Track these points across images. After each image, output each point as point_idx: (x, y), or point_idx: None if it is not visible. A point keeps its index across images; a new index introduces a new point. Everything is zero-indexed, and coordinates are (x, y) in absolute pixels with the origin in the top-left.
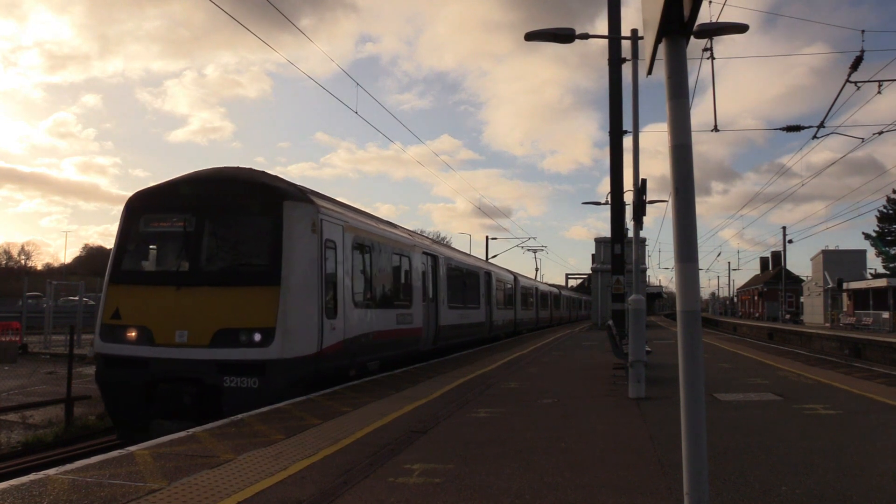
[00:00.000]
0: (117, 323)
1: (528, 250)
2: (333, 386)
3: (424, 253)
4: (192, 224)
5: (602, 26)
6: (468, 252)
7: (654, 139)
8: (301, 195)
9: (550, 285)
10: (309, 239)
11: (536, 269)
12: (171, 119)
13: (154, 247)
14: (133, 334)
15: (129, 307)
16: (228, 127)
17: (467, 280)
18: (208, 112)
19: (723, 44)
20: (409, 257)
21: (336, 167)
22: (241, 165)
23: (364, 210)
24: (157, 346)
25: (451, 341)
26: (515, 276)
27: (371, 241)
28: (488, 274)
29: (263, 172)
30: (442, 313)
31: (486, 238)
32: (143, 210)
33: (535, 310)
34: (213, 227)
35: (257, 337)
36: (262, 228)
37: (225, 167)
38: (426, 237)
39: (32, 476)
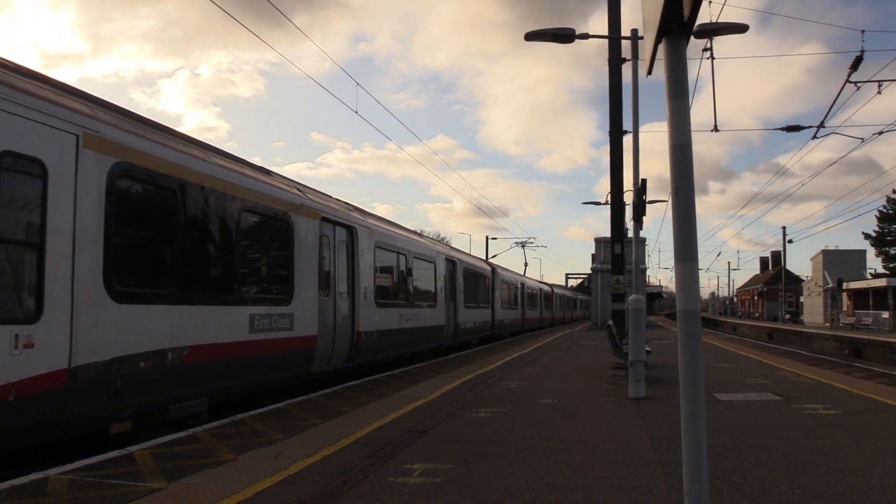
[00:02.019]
0: None
1: (517, 244)
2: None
3: (326, 220)
4: None
5: (596, 25)
6: (459, 247)
7: (652, 138)
8: None
9: (542, 282)
10: None
11: (525, 264)
12: (166, 119)
13: None
14: None
15: None
16: (224, 126)
17: (416, 269)
18: (203, 111)
19: (717, 43)
20: (289, 223)
21: (333, 167)
22: None
23: (180, 133)
24: None
25: (384, 354)
26: (494, 268)
27: (175, 180)
28: (451, 262)
29: None
30: (364, 314)
31: (486, 238)
32: None
33: (521, 309)
34: None
35: None
36: None
37: None
38: (340, 200)
39: (33, 476)
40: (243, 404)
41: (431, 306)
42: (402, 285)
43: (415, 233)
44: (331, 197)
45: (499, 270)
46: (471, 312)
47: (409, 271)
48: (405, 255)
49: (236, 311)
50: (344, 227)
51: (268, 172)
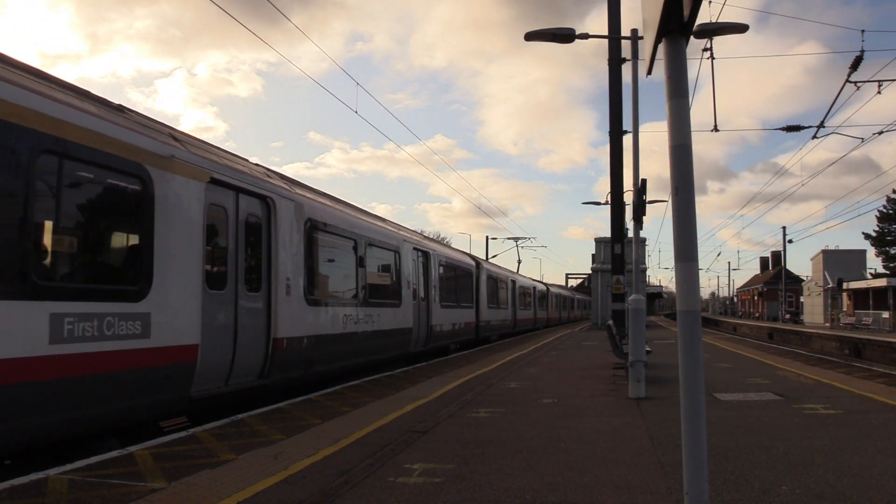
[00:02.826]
0: None
1: (510, 238)
2: None
3: (221, 184)
4: None
5: (593, 24)
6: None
7: (652, 138)
8: None
9: (537, 280)
10: None
11: (518, 261)
12: (163, 118)
13: None
14: None
15: None
16: (221, 126)
17: (372, 258)
18: (201, 111)
19: (716, 43)
20: (145, 180)
21: (331, 167)
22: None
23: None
24: None
25: (322, 366)
26: (479, 262)
27: None
28: (423, 253)
29: None
30: (286, 314)
31: (486, 238)
32: None
33: (512, 309)
34: None
35: None
36: None
37: None
38: (260, 166)
39: (33, 476)
40: (64, 452)
41: (394, 305)
42: (348, 278)
43: (376, 217)
44: (243, 159)
45: (485, 265)
46: (449, 313)
47: (361, 261)
48: (355, 240)
49: (18, 308)
50: (253, 196)
51: (120, 109)
